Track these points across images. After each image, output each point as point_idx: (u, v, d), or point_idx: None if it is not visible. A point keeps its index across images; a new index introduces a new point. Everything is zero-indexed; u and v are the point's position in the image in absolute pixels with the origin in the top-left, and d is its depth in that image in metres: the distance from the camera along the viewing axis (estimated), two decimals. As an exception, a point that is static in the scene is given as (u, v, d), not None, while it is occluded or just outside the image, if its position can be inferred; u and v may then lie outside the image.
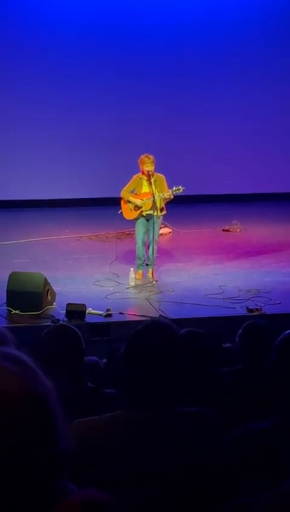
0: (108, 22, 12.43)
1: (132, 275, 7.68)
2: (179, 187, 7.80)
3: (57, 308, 6.78)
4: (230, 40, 12.79)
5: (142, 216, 7.89)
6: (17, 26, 12.16)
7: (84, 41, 12.36)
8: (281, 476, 1.97)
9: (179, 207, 9.58)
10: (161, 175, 7.90)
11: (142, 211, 7.86)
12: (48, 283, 6.88)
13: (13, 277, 6.78)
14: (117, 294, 7.33)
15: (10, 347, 1.24)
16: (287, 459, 2.04)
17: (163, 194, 7.74)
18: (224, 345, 4.50)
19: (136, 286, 7.62)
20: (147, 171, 7.69)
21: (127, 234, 9.61)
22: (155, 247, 7.88)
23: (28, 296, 6.62)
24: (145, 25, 12.53)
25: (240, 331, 3.74)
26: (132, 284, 7.63)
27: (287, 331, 2.35)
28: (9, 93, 12.28)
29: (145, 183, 7.85)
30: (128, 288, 7.56)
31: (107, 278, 7.88)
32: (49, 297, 6.87)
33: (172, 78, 12.70)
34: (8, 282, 6.73)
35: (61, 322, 6.00)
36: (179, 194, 7.82)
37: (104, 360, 4.37)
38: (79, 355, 3.11)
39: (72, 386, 2.94)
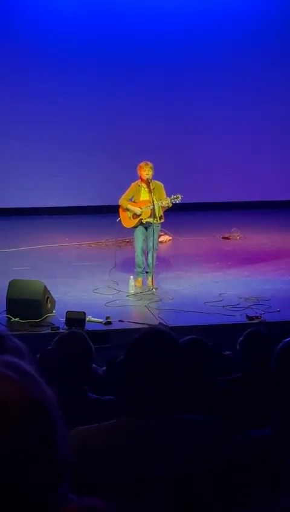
0: (107, 32, 12.48)
1: (131, 282, 7.68)
2: (178, 195, 7.80)
3: (57, 315, 6.78)
4: (230, 49, 12.84)
5: (141, 224, 7.89)
6: (15, 34, 12.21)
7: (83, 52, 12.40)
8: (281, 484, 1.96)
9: (179, 215, 9.59)
10: (160, 183, 7.91)
11: (141, 219, 7.86)
12: (48, 291, 6.87)
13: (13, 285, 6.78)
14: (117, 302, 7.32)
15: (25, 361, 1.24)
16: (287, 466, 2.03)
17: (162, 202, 7.75)
18: (224, 353, 4.50)
19: (135, 294, 7.62)
20: (147, 178, 7.70)
21: (127, 242, 9.62)
22: (155, 254, 7.88)
23: (28, 303, 6.62)
24: (146, 36, 12.58)
25: (242, 338, 3.73)
26: (132, 291, 7.63)
27: (287, 339, 2.34)
28: (8, 105, 12.32)
29: (143, 190, 7.86)
30: (128, 295, 7.56)
31: (106, 286, 7.88)
32: (49, 305, 6.87)
33: (171, 86, 12.74)
34: (7, 290, 6.74)
35: (73, 329, 5.98)
36: (177, 202, 7.83)
37: (104, 368, 4.37)
38: (89, 361, 3.12)
39: (75, 393, 2.94)
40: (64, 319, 6.41)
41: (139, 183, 7.90)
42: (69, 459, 1.10)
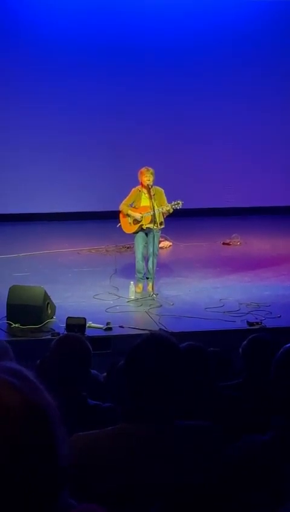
0: (108, 38, 12.51)
1: (132, 288, 7.68)
2: (178, 201, 7.81)
3: (57, 321, 6.77)
4: (230, 56, 12.87)
5: (142, 230, 7.90)
6: (16, 40, 12.23)
7: (84, 58, 12.43)
8: (281, 490, 1.96)
9: (179, 220, 9.60)
10: (160, 188, 7.91)
11: (141, 225, 7.87)
12: (48, 296, 6.87)
13: (13, 290, 6.78)
14: (117, 307, 7.32)
15: (11, 361, 1.24)
16: (287, 473, 2.03)
17: (162, 208, 7.75)
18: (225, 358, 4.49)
19: (136, 299, 7.61)
20: (147, 183, 7.70)
21: (127, 248, 9.62)
22: (155, 260, 7.88)
23: (28, 309, 6.61)
24: (147, 42, 12.61)
25: (245, 343, 3.72)
26: (132, 297, 7.62)
27: (288, 345, 2.34)
28: (8, 111, 12.34)
29: (144, 196, 7.86)
30: (128, 301, 7.56)
31: (107, 292, 7.88)
32: (49, 311, 6.87)
33: (171, 92, 12.77)
34: (8, 296, 6.73)
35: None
36: (178, 208, 7.83)
37: (104, 374, 4.36)
38: (87, 366, 3.11)
39: (74, 399, 2.93)
40: (65, 325, 6.40)
41: (139, 189, 7.90)
42: (69, 465, 1.09)
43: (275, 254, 9.85)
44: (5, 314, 6.71)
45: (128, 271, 8.47)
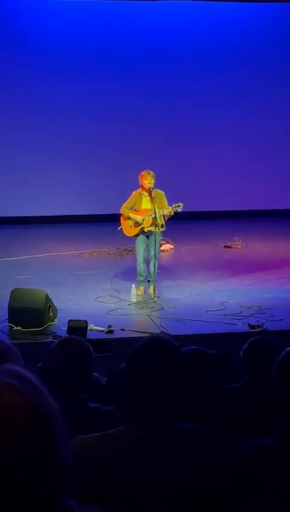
0: (109, 42, 12.52)
1: (133, 291, 7.68)
2: (179, 203, 7.82)
3: (59, 324, 6.78)
4: (230, 59, 12.88)
5: (143, 232, 7.90)
6: (16, 43, 12.25)
7: (85, 61, 12.45)
8: (282, 493, 1.96)
9: (181, 223, 9.61)
10: (161, 191, 7.92)
11: (142, 228, 7.87)
12: (50, 299, 6.88)
13: (15, 293, 6.79)
14: (118, 310, 7.32)
15: (18, 364, 1.24)
16: (287, 476, 2.03)
17: (163, 211, 7.76)
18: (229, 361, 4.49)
19: (137, 302, 7.62)
20: (148, 186, 7.71)
21: (129, 250, 9.63)
22: (156, 263, 7.89)
23: (30, 312, 6.62)
24: (147, 45, 12.62)
25: (245, 346, 3.72)
26: (134, 300, 7.63)
27: (289, 348, 2.34)
28: (8, 114, 12.36)
29: (145, 199, 7.87)
30: (129, 304, 7.56)
31: (108, 294, 7.88)
32: (51, 314, 6.87)
33: (172, 95, 12.78)
34: (9, 299, 6.74)
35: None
36: (179, 210, 7.84)
37: (106, 378, 4.36)
38: (88, 369, 3.11)
39: (75, 402, 2.93)
40: (66, 328, 6.40)
41: (140, 192, 7.91)
42: (71, 469, 1.10)
43: (277, 257, 9.85)
44: (7, 317, 6.72)
45: (129, 274, 8.48)
